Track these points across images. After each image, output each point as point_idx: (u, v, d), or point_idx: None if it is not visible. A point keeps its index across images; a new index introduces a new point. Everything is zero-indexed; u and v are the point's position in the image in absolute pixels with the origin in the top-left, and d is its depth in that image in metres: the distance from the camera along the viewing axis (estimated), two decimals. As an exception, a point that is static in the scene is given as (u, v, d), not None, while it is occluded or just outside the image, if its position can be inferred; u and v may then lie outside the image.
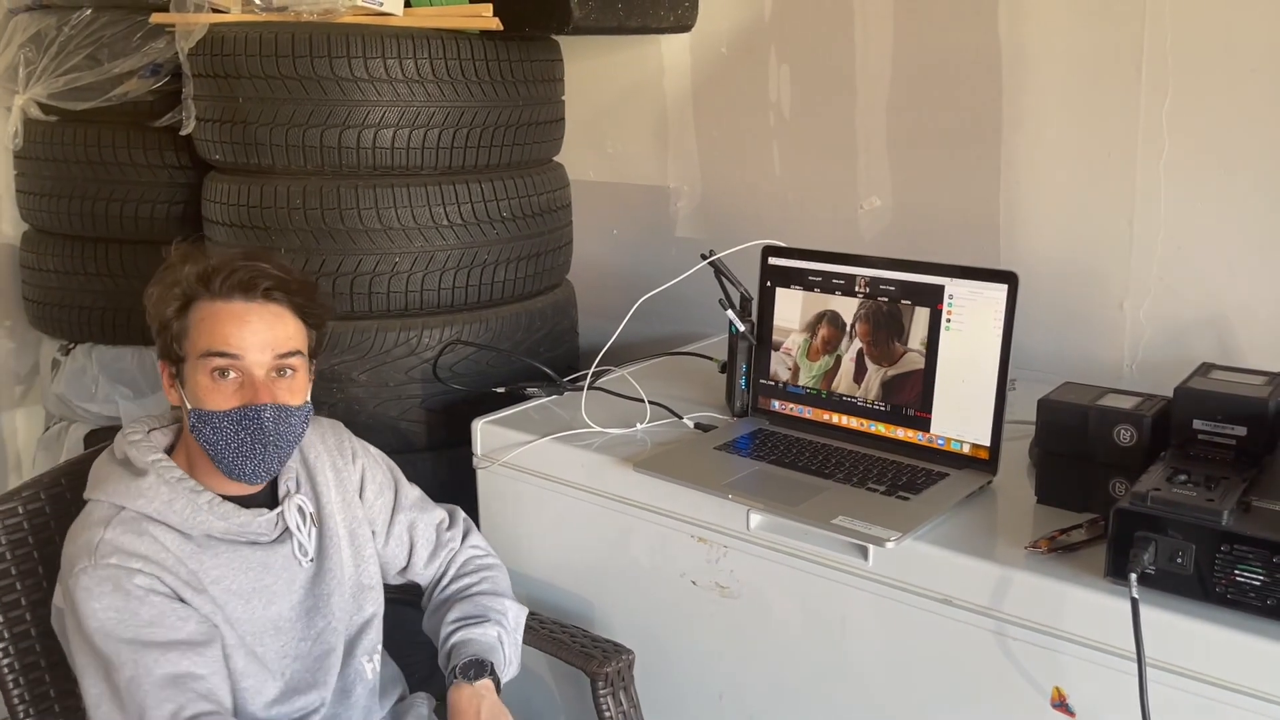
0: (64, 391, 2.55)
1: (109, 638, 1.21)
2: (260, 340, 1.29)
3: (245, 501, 1.36)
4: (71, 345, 2.58)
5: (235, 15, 1.98)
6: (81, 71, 2.31)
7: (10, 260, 2.82)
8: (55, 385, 2.58)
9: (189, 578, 1.28)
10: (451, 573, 1.56)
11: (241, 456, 1.29)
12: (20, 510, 1.45)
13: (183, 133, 2.12)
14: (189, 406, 1.30)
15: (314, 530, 1.41)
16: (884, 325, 1.56)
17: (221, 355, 1.28)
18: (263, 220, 1.98)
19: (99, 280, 2.46)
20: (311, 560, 1.40)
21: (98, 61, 2.29)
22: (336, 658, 1.40)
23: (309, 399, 1.37)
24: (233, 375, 1.28)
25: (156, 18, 2.15)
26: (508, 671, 1.45)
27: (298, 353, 1.33)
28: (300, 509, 1.39)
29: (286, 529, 1.38)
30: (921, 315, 1.52)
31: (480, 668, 1.38)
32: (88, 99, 2.32)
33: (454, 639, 1.43)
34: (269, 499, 1.39)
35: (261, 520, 1.35)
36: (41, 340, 2.73)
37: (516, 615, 1.52)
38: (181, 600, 1.27)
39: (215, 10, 2.00)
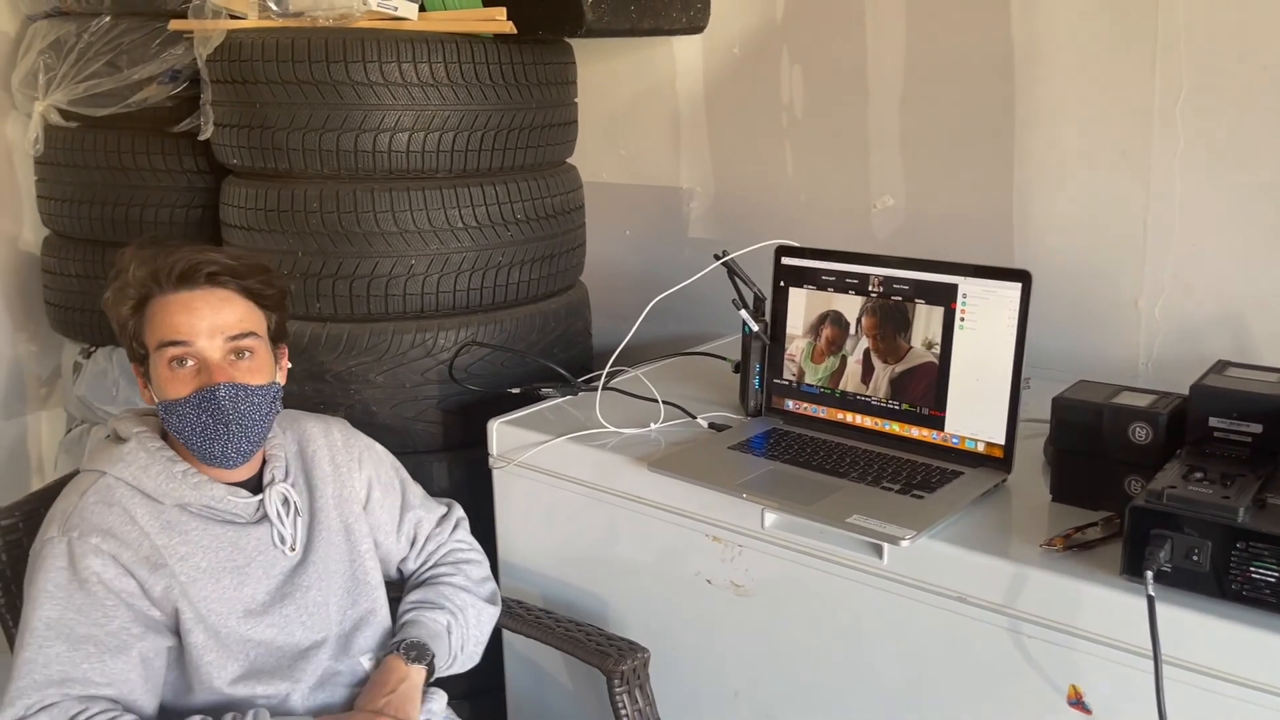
0: (85, 394, 2.57)
1: (36, 608, 1.26)
2: (208, 325, 1.32)
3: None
4: (93, 348, 2.60)
5: (252, 21, 2.00)
6: (101, 78, 2.33)
7: (32, 265, 2.86)
8: (77, 388, 2.61)
9: (150, 553, 1.31)
10: (432, 561, 1.59)
11: (207, 439, 1.32)
12: (20, 526, 1.48)
13: (201, 138, 2.14)
14: (157, 400, 1.34)
15: (299, 521, 1.43)
16: (890, 321, 1.56)
17: (174, 344, 1.31)
18: (280, 224, 2.00)
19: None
20: (293, 550, 1.41)
21: (117, 68, 2.32)
22: (316, 652, 1.40)
23: (277, 380, 1.40)
24: (190, 363, 1.32)
25: (175, 24, 2.17)
26: (454, 664, 1.50)
27: (251, 334, 1.35)
28: (285, 498, 1.41)
29: (266, 515, 1.40)
30: (935, 314, 1.52)
31: (421, 652, 1.42)
32: (107, 105, 2.34)
33: (407, 617, 1.49)
34: (253, 487, 1.41)
35: (237, 500, 1.37)
36: (63, 344, 2.77)
37: (478, 611, 1.54)
38: (135, 578, 1.29)
39: (233, 16, 2.02)
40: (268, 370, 1.38)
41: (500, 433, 1.79)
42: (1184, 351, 1.82)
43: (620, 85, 2.48)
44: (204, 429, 1.31)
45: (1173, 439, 1.30)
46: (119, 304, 1.34)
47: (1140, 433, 1.31)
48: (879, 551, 1.36)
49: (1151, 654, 1.11)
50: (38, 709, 1.21)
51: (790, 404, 1.70)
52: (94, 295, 2.53)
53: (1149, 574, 1.12)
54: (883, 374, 1.58)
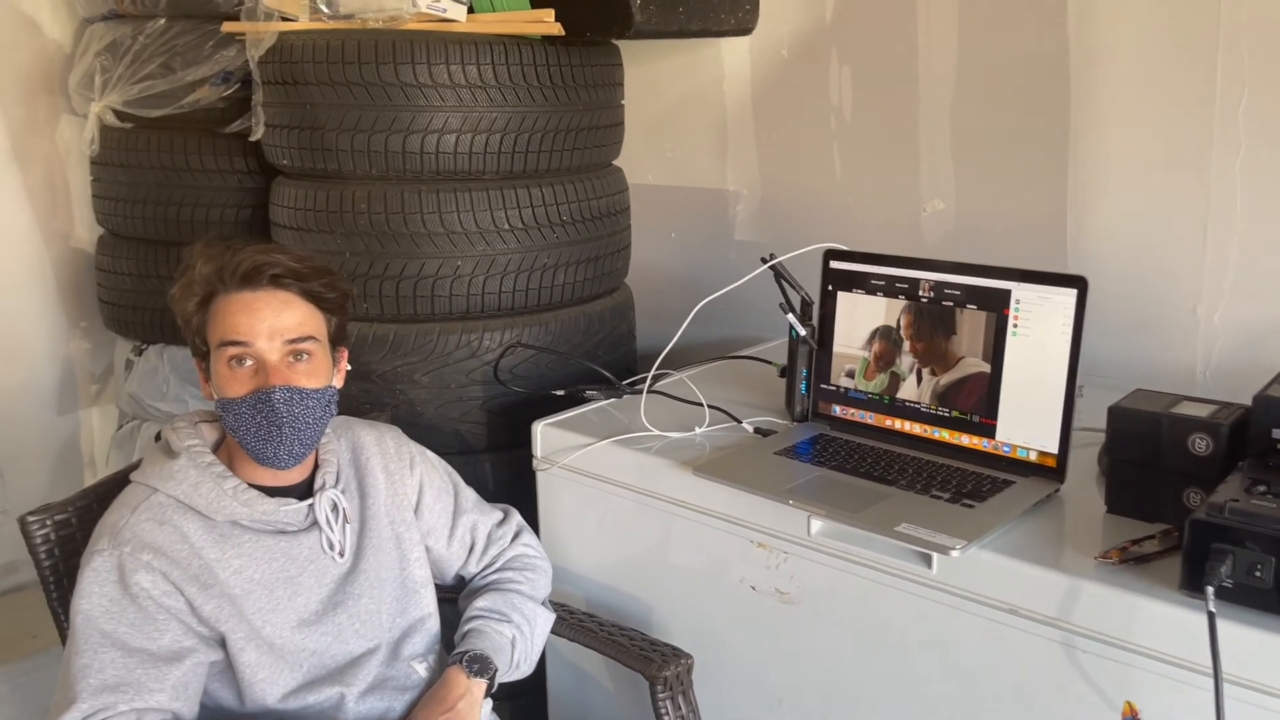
0: (137, 391, 2.61)
1: (89, 621, 1.27)
2: (268, 326, 1.33)
3: (280, 492, 1.39)
4: (144, 346, 2.64)
5: (304, 24, 2.02)
6: (155, 79, 2.37)
7: (86, 264, 2.91)
8: (128, 385, 2.65)
9: (200, 571, 1.32)
10: (498, 565, 1.59)
11: (261, 440, 1.33)
12: (74, 521, 1.50)
13: (252, 139, 2.16)
14: (215, 397, 1.35)
15: (349, 528, 1.43)
16: (940, 328, 1.54)
17: (234, 344, 1.32)
18: (328, 224, 2.02)
19: (171, 283, 2.51)
20: (342, 556, 1.42)
21: (171, 70, 2.35)
22: (368, 659, 1.41)
23: (333, 383, 1.40)
24: (249, 363, 1.33)
25: (228, 26, 2.20)
26: (514, 673, 1.51)
27: (310, 338, 1.36)
28: (334, 504, 1.42)
29: (316, 521, 1.40)
30: (987, 320, 1.49)
31: (484, 666, 1.42)
32: (161, 106, 2.38)
33: (472, 625, 1.49)
34: (306, 491, 1.42)
35: (287, 510, 1.38)
36: (116, 341, 2.81)
37: (544, 623, 1.56)
38: (184, 596, 1.30)
39: (284, 19, 2.04)
40: (325, 373, 1.38)
41: (544, 434, 1.79)
42: (1244, 360, 1.78)
43: (667, 87, 2.48)
44: (258, 429, 1.32)
45: (1234, 451, 1.26)
46: (184, 300, 1.36)
47: (1200, 444, 1.27)
48: (928, 561, 1.34)
49: (1212, 672, 1.08)
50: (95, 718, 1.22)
51: (837, 409, 1.68)
52: (146, 293, 2.57)
53: (1210, 589, 1.09)
54: (932, 381, 1.56)
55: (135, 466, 1.43)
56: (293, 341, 1.34)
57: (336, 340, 1.43)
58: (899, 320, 1.59)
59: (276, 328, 1.33)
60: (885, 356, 1.61)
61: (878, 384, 1.61)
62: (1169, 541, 1.26)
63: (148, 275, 2.56)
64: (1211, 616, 1.08)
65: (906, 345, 1.58)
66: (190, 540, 1.33)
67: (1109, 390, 1.46)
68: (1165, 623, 1.16)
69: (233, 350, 1.32)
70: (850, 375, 1.65)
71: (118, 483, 1.46)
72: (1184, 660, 1.15)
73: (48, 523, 1.48)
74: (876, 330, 1.61)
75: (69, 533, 1.49)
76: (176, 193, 2.47)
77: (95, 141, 2.52)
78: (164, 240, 2.51)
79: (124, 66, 2.42)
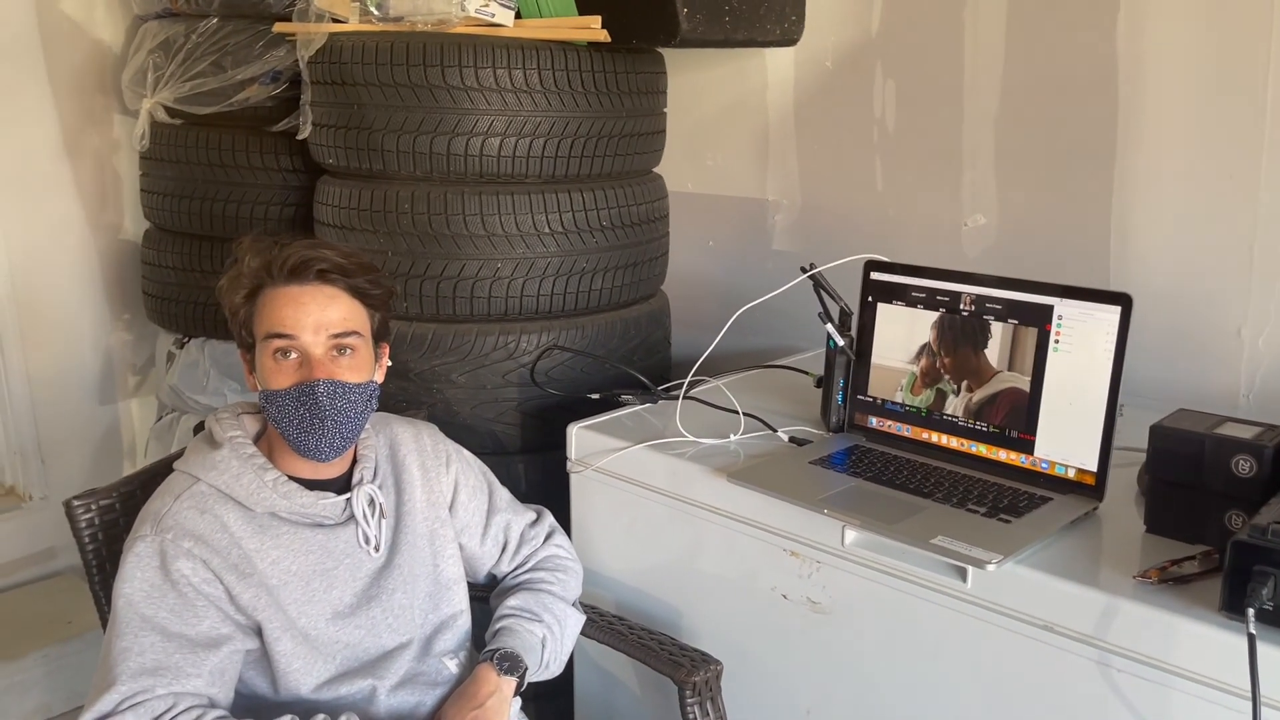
0: (177, 383, 2.65)
1: (130, 605, 1.29)
2: (314, 321, 1.34)
3: (318, 485, 1.41)
4: (186, 339, 2.68)
5: (354, 25, 2.05)
6: (206, 77, 2.41)
7: (132, 257, 2.96)
8: (169, 377, 2.69)
9: (239, 560, 1.34)
10: (530, 564, 1.60)
11: (304, 432, 1.34)
12: (117, 506, 1.52)
13: (299, 137, 2.20)
14: (259, 389, 1.37)
15: (385, 523, 1.45)
16: (974, 344, 1.53)
17: (279, 336, 1.34)
18: (371, 223, 2.04)
19: (214, 278, 2.52)
20: (377, 550, 1.43)
21: (222, 68, 2.39)
22: (400, 653, 1.42)
23: (375, 378, 1.42)
24: (293, 355, 1.35)
25: (279, 27, 2.24)
26: (543, 672, 1.51)
27: (354, 333, 1.37)
28: (371, 499, 1.43)
29: (353, 515, 1.42)
30: (1029, 335, 1.48)
31: (514, 664, 1.43)
32: (211, 104, 2.42)
33: (504, 623, 1.50)
34: (344, 485, 1.44)
35: (325, 503, 1.39)
36: (158, 333, 2.86)
37: (574, 624, 1.57)
38: (223, 584, 1.32)
39: (335, 20, 2.08)
40: (367, 368, 1.40)
41: (579, 437, 1.80)
42: (1289, 384, 1.76)
43: (710, 96, 2.49)
44: (300, 422, 1.34)
45: (1278, 474, 1.25)
46: (232, 292, 1.38)
47: (1244, 465, 1.26)
48: (963, 575, 1.34)
49: (1250, 695, 1.07)
50: (128, 706, 1.23)
51: (874, 421, 1.68)
52: (190, 287, 2.62)
53: (1250, 612, 1.08)
54: (969, 396, 1.55)
55: (179, 455, 1.46)
56: (337, 336, 1.36)
57: (379, 336, 1.45)
58: (938, 333, 1.58)
59: (322, 322, 1.35)
60: (931, 373, 1.60)
61: (924, 399, 1.61)
62: (1209, 563, 1.24)
63: (191, 269, 2.60)
64: (1252, 639, 1.07)
65: (948, 360, 1.58)
66: (230, 529, 1.35)
67: (1150, 411, 1.44)
68: (1204, 644, 1.15)
69: (278, 343, 1.34)
70: (899, 389, 1.64)
71: (161, 470, 1.49)
72: (1223, 683, 1.13)
73: (92, 507, 1.50)
74: (925, 345, 1.61)
75: (112, 518, 1.52)
76: (223, 189, 2.51)
77: (145, 137, 2.56)
78: (209, 235, 2.56)
79: (176, 64, 2.46)
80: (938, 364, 1.59)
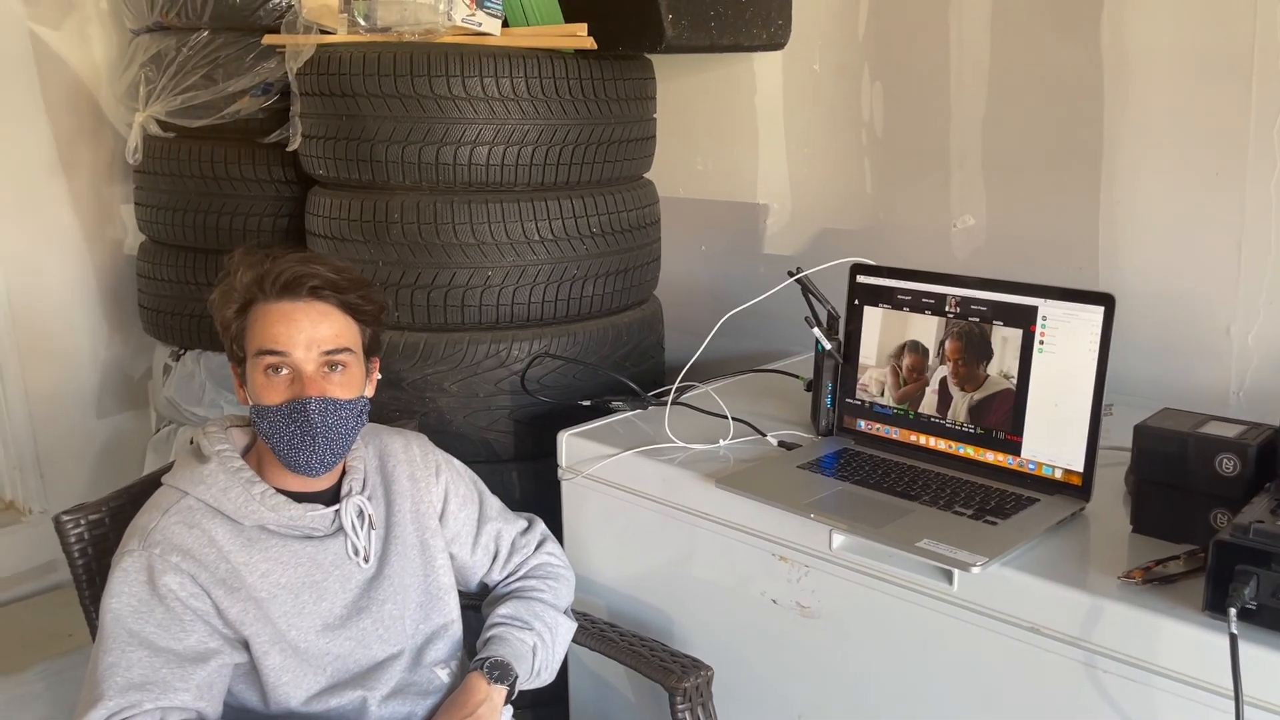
0: (174, 395, 2.66)
1: (118, 620, 1.29)
2: (306, 337, 1.34)
3: (307, 498, 1.41)
4: (182, 351, 2.69)
5: (342, 36, 2.06)
6: (198, 90, 2.42)
7: (127, 270, 2.97)
8: (166, 389, 2.70)
9: (227, 575, 1.34)
10: (521, 572, 1.60)
11: (294, 448, 1.35)
12: (107, 521, 1.53)
13: (289, 149, 2.20)
14: (250, 403, 1.37)
15: (374, 534, 1.45)
16: (969, 346, 1.53)
17: (271, 353, 1.34)
18: (362, 233, 2.05)
19: (209, 290, 2.53)
20: (367, 562, 1.43)
21: (213, 80, 2.40)
22: (391, 663, 1.42)
23: (365, 393, 1.42)
24: (285, 372, 1.35)
25: (269, 39, 2.25)
26: (534, 680, 1.51)
27: (346, 349, 1.38)
28: (360, 510, 1.43)
29: (342, 527, 1.42)
30: (1013, 337, 1.49)
31: (504, 673, 1.42)
32: (203, 116, 2.43)
33: (494, 631, 1.49)
34: (333, 497, 1.44)
35: (314, 515, 1.39)
36: (154, 346, 2.87)
37: (565, 632, 1.56)
38: (211, 599, 1.32)
39: (323, 31, 2.08)
40: (358, 384, 1.40)
41: (570, 444, 1.80)
42: (1278, 381, 1.75)
43: (699, 101, 2.49)
44: (291, 438, 1.34)
45: (1262, 472, 1.25)
46: (224, 306, 1.39)
47: (1227, 464, 1.26)
48: (949, 577, 1.34)
49: (1233, 695, 1.07)
50: (119, 718, 1.24)
51: (862, 424, 1.68)
52: (185, 299, 2.62)
53: (1233, 611, 1.08)
54: (960, 399, 1.55)
55: (167, 469, 1.46)
56: (329, 353, 1.36)
57: (370, 351, 1.45)
58: (925, 336, 1.59)
59: (314, 339, 1.35)
60: (916, 368, 1.60)
61: (912, 401, 1.61)
62: (1194, 562, 1.24)
63: (186, 282, 2.61)
64: (1234, 638, 1.07)
65: (932, 361, 1.58)
66: (218, 544, 1.35)
67: (1140, 410, 1.44)
68: (1188, 644, 1.15)
69: (270, 359, 1.34)
70: (881, 391, 1.65)
71: (150, 484, 1.49)
72: (1206, 682, 1.13)
73: (81, 522, 1.51)
74: (904, 345, 1.61)
75: (102, 532, 1.52)
76: (216, 201, 2.52)
77: (138, 150, 2.57)
78: (203, 248, 2.56)
79: (168, 77, 2.47)
80: (925, 366, 1.59)
